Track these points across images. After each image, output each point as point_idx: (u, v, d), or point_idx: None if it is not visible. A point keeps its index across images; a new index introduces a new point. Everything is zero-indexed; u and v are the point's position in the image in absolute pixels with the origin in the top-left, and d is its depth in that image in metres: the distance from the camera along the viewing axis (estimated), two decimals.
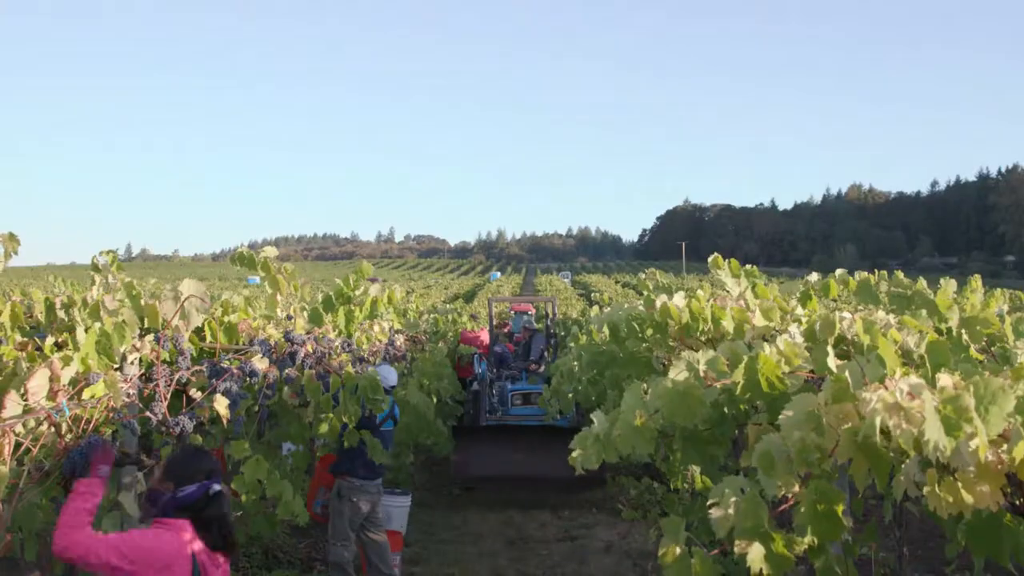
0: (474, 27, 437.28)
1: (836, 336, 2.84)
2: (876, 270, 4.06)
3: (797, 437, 2.17)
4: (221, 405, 4.06)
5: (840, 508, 2.27)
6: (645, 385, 2.87)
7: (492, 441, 10.36)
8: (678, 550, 2.37)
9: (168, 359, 4.05)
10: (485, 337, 14.76)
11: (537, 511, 9.65)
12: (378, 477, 6.61)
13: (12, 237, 3.28)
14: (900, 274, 3.50)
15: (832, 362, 2.38)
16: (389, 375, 6.91)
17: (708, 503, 2.36)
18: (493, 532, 8.77)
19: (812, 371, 2.61)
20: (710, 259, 4.40)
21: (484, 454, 10.20)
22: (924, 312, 3.16)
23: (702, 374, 2.72)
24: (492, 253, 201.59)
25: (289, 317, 6.35)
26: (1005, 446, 1.95)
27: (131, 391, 3.67)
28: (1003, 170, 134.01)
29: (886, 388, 2.01)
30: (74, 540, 2.90)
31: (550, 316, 14.07)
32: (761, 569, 2.29)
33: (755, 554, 2.27)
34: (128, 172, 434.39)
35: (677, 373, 2.72)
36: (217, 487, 3.23)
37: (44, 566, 3.79)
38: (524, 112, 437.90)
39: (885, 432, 1.98)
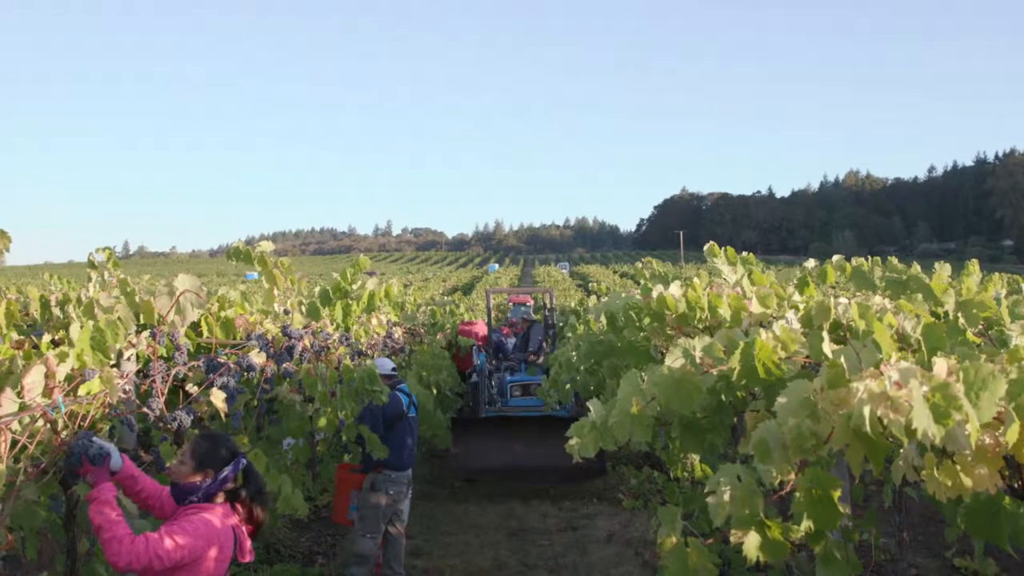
0: (469, 20, 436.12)
1: (832, 322, 2.83)
2: (874, 256, 4.05)
3: (792, 424, 2.16)
4: (218, 400, 4.06)
5: (836, 495, 2.27)
6: (643, 373, 2.86)
7: (492, 432, 10.36)
8: (674, 539, 2.36)
9: (165, 355, 4.04)
10: (479, 328, 14.71)
11: (538, 502, 9.65)
12: (408, 467, 6.64)
13: (3, 234, 3.26)
14: (894, 259, 3.49)
15: (827, 348, 2.37)
16: (384, 364, 6.91)
17: (705, 491, 2.36)
18: (494, 523, 8.77)
19: (808, 357, 2.60)
20: (706, 247, 4.38)
21: (484, 446, 10.20)
22: (920, 296, 3.15)
23: (698, 361, 2.71)
24: (490, 245, 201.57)
25: (286, 312, 6.35)
26: (1001, 428, 1.94)
27: (127, 387, 3.66)
28: (1000, 154, 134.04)
29: (881, 372, 2.00)
30: (134, 553, 2.89)
31: (548, 307, 14.05)
32: (758, 557, 2.28)
33: (751, 542, 2.27)
34: (125, 170, 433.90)
35: (673, 360, 2.72)
36: (244, 460, 3.37)
37: (47, 564, 3.79)
38: (521, 104, 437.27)
39: (879, 419, 1.97)
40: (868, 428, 1.92)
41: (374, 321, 8.47)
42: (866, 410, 1.92)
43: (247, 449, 4.78)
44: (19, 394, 3.00)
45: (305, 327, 6.14)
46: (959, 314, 3.03)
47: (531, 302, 19.23)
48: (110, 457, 3.06)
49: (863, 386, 1.95)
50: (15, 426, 2.92)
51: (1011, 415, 1.89)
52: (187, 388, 4.15)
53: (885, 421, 1.90)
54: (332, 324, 6.59)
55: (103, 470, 3.00)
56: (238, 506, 3.32)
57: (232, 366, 4.43)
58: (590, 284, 45.44)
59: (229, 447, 3.36)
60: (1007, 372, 1.98)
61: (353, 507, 6.73)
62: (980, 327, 3.07)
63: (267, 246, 4.85)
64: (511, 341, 14.31)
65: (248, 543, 3.31)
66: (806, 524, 2.22)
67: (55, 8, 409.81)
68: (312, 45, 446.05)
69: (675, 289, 4.04)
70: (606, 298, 4.81)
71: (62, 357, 3.27)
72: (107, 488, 2.99)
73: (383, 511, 6.45)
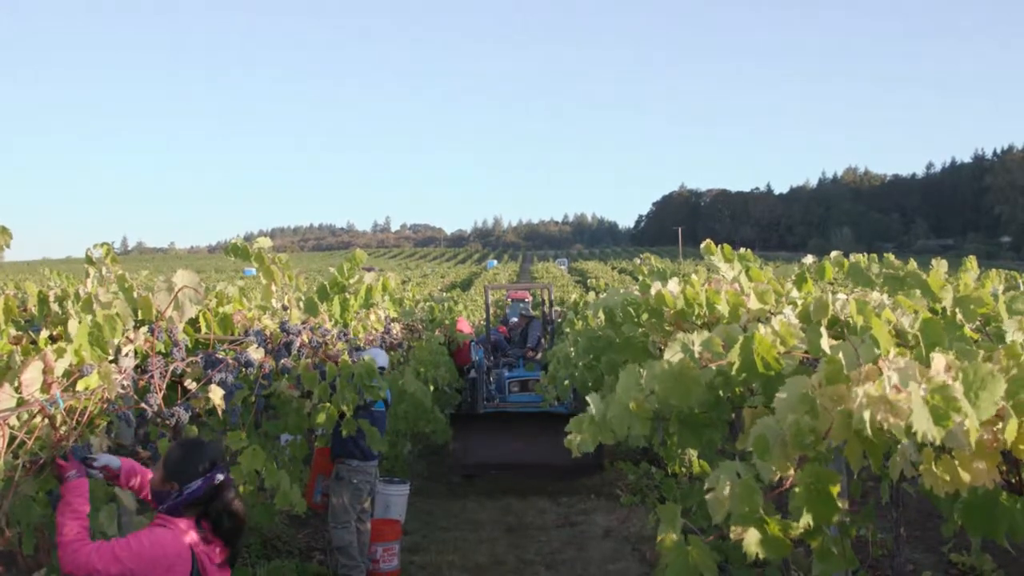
0: (467, 17, 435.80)
1: (830, 317, 2.83)
2: (872, 253, 4.05)
3: (791, 420, 2.16)
4: (216, 395, 4.06)
5: (835, 490, 2.27)
6: (641, 368, 2.86)
7: (490, 429, 10.37)
8: (675, 537, 2.36)
9: (163, 351, 4.04)
10: (461, 326, 14.73)
11: (536, 498, 9.66)
12: (374, 459, 6.63)
13: (4, 230, 3.26)
14: (891, 256, 3.50)
15: (826, 344, 2.37)
16: (377, 357, 6.90)
17: (704, 488, 2.36)
18: (492, 519, 8.79)
19: (807, 352, 2.60)
20: (702, 245, 4.38)
21: (482, 442, 10.21)
22: (918, 292, 3.15)
23: (697, 355, 2.71)
24: (488, 241, 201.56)
25: (284, 307, 6.34)
26: (1000, 424, 1.94)
27: (126, 383, 3.66)
28: (998, 151, 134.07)
29: (880, 370, 2.00)
30: (78, 561, 2.86)
31: (546, 303, 14.05)
32: (758, 554, 2.29)
33: (751, 539, 2.27)
34: (123, 166, 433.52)
35: (672, 354, 2.72)
36: (221, 476, 3.12)
37: (43, 560, 3.79)
38: (519, 100, 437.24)
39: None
40: (869, 431, 1.93)
41: (372, 317, 8.47)
42: (866, 414, 1.92)
43: (244, 445, 4.78)
44: (17, 389, 3.00)
45: (303, 323, 6.14)
46: (957, 310, 3.03)
47: (530, 298, 19.23)
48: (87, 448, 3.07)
49: (862, 391, 1.95)
50: (13, 421, 2.92)
51: (1010, 411, 1.90)
52: (185, 384, 4.16)
53: (885, 426, 1.90)
54: (330, 320, 6.58)
55: (72, 463, 3.02)
56: (204, 522, 3.12)
57: (230, 362, 4.43)
58: (589, 280, 45.49)
59: (205, 460, 3.12)
60: (1006, 369, 1.98)
61: (318, 491, 6.79)
62: (978, 323, 3.08)
63: (265, 242, 4.85)
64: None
65: (213, 566, 3.10)
66: (805, 520, 2.22)
67: (53, 5, 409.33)
68: (311, 42, 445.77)
69: (673, 286, 4.03)
70: (605, 294, 4.81)
71: (60, 353, 3.27)
72: (69, 488, 2.99)
73: (350, 502, 6.47)
